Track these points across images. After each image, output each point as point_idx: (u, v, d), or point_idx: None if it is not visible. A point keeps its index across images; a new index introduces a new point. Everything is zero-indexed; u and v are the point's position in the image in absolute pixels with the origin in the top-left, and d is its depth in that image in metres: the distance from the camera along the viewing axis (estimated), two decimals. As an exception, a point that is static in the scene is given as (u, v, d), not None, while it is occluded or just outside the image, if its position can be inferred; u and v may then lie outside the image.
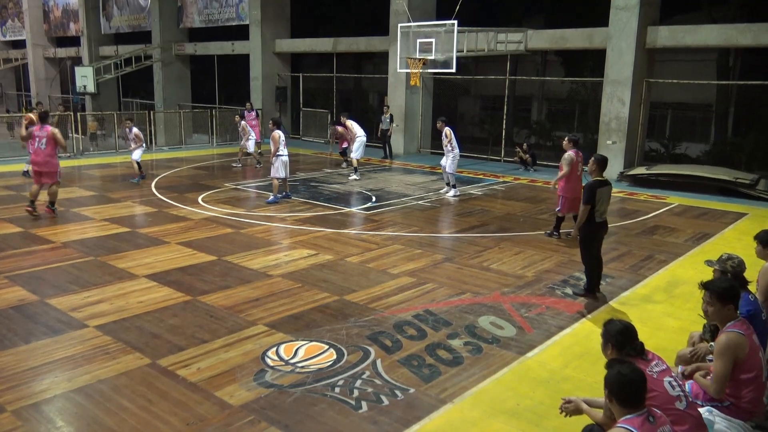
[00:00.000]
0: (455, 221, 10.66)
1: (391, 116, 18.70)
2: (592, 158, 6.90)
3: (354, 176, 14.58)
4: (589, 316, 6.44)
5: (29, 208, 10.08)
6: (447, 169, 12.75)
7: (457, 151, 12.64)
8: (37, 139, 10.12)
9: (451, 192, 12.82)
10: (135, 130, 14.32)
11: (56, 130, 10.41)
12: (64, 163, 14.80)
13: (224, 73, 26.99)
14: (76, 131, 18.61)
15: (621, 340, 3.46)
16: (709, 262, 4.73)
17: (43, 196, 10.44)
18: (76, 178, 14.42)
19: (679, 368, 4.31)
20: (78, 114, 19.98)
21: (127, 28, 29.64)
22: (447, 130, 12.61)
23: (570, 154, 9.32)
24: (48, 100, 31.29)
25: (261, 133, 17.98)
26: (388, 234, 9.68)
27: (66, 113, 20.31)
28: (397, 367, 5.16)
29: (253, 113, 18.78)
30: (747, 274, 4.59)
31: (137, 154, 14.07)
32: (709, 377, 3.94)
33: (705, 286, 4.01)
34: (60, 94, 33.58)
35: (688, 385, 4.03)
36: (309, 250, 8.58)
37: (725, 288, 3.93)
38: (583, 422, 3.59)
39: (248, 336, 5.73)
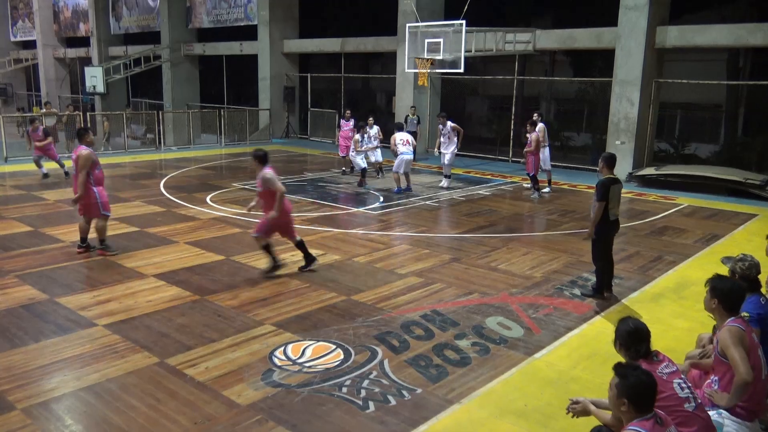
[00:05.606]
0: (463, 221, 10.64)
1: (419, 118, 18.11)
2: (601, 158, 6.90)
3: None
4: (597, 317, 6.42)
5: (79, 250, 8.17)
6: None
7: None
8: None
9: (446, 182, 13.92)
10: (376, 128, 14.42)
11: (85, 152, 7.83)
12: (68, 163, 14.91)
13: (233, 74, 27.07)
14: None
15: (627, 340, 3.48)
16: (725, 260, 4.70)
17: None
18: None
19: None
20: (87, 114, 20.07)
21: (137, 29, 29.81)
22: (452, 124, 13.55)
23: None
24: (58, 101, 31.52)
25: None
26: (396, 234, 9.67)
27: (75, 113, 20.44)
28: (405, 367, 5.16)
29: (351, 123, 15.55)
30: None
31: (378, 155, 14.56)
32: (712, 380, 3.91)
33: (709, 283, 3.99)
34: (70, 94, 33.80)
35: None
36: (317, 250, 8.58)
37: (727, 289, 3.89)
38: (591, 423, 3.58)
39: (256, 336, 5.74)
